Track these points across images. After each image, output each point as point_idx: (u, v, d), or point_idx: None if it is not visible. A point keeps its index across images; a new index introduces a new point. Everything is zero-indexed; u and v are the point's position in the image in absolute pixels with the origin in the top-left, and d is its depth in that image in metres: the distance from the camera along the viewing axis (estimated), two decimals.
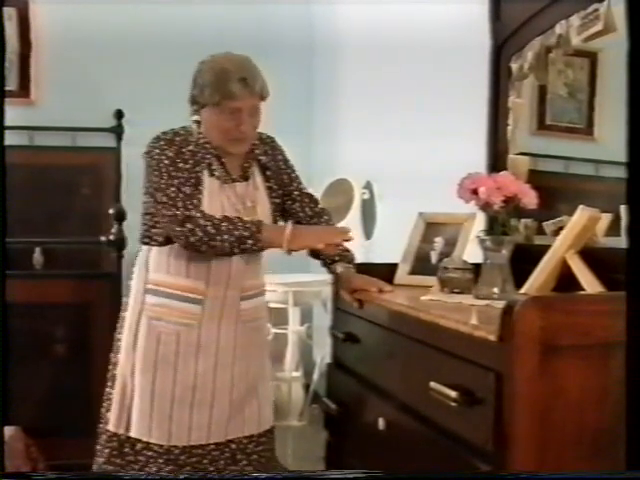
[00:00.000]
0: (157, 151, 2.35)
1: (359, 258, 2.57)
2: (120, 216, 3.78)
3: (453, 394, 1.67)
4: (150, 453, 2.41)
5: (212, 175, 2.39)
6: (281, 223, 2.54)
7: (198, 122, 2.41)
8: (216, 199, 2.37)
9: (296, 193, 2.58)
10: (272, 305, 3.46)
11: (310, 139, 4.72)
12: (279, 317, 4.13)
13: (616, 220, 2.10)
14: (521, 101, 2.63)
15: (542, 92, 2.58)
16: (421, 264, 2.52)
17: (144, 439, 2.41)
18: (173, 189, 2.30)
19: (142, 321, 2.42)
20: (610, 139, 2.25)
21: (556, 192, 2.49)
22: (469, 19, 2.95)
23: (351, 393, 2.41)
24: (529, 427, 1.54)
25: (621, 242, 1.90)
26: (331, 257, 2.48)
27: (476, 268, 2.17)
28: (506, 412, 1.55)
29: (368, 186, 4.06)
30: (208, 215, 2.28)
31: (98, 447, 2.50)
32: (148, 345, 2.41)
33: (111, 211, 3.84)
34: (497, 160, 2.69)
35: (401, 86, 3.74)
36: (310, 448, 3.48)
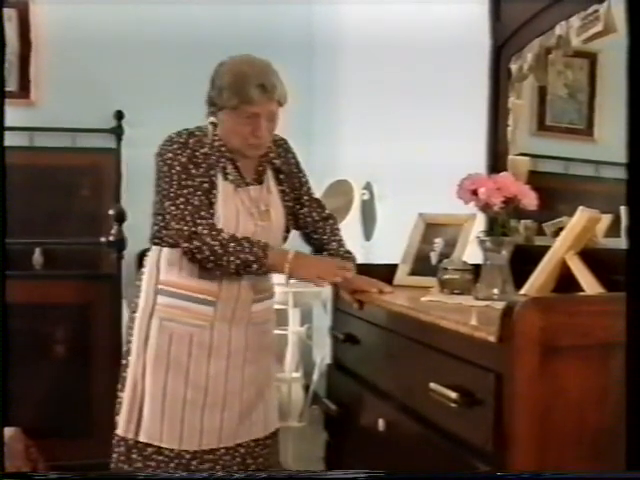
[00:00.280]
0: (170, 155, 2.33)
1: (359, 259, 2.57)
2: (120, 217, 3.79)
3: (453, 395, 1.67)
4: (160, 458, 2.37)
5: (226, 179, 2.37)
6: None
7: (214, 124, 2.40)
8: (230, 203, 2.36)
9: (306, 198, 2.57)
10: None
11: (310, 139, 4.71)
12: (279, 318, 4.10)
13: (616, 221, 2.10)
14: (521, 102, 2.63)
15: (542, 93, 2.58)
16: (421, 265, 2.52)
17: (155, 443, 2.37)
18: (182, 200, 2.28)
19: (153, 322, 2.39)
20: (610, 140, 2.25)
21: (556, 193, 2.49)
22: (469, 20, 2.95)
23: (351, 394, 2.41)
24: (529, 428, 1.54)
25: (621, 243, 1.90)
26: (333, 258, 2.48)
27: (476, 269, 2.18)
28: (506, 413, 1.55)
29: (368, 187, 4.06)
30: (216, 232, 2.27)
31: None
32: (160, 346, 2.38)
33: (111, 212, 3.84)
34: (497, 161, 2.69)
35: (401, 87, 3.74)
36: (310, 449, 3.48)
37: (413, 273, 2.53)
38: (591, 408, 1.58)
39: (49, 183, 4.51)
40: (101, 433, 3.27)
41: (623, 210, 1.95)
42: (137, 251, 4.40)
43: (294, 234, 2.57)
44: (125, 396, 2.40)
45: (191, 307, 2.38)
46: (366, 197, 4.07)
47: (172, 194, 2.30)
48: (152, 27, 4.55)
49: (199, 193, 2.30)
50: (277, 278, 2.57)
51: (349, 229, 3.50)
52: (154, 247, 2.44)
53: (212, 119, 2.40)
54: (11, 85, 4.51)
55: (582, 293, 1.98)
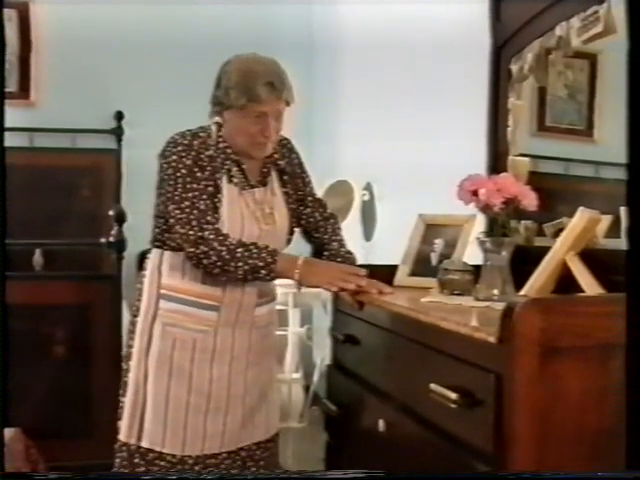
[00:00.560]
0: (174, 157, 2.28)
1: (359, 259, 2.57)
2: (120, 217, 3.79)
3: (453, 396, 1.67)
4: (163, 463, 2.35)
5: (230, 182, 2.34)
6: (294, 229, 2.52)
7: (218, 124, 2.36)
8: (235, 206, 2.32)
9: (309, 198, 2.55)
10: None
11: (310, 140, 4.71)
12: (279, 318, 4.12)
13: (616, 222, 2.10)
14: (521, 102, 2.63)
15: (542, 93, 2.58)
16: (421, 266, 2.52)
17: (157, 449, 2.34)
18: (187, 203, 2.24)
19: (156, 327, 2.36)
20: (610, 140, 2.25)
21: (556, 194, 2.49)
22: (469, 20, 2.95)
23: (351, 395, 2.41)
24: (529, 429, 1.54)
25: (621, 244, 1.89)
26: (334, 259, 2.48)
27: (476, 270, 2.17)
28: (506, 414, 1.55)
29: (368, 187, 4.06)
30: (222, 237, 2.23)
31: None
32: (162, 351, 2.34)
33: (111, 212, 3.84)
34: (497, 162, 2.69)
35: (401, 87, 3.74)
36: (310, 449, 3.48)
37: (413, 274, 2.53)
38: (591, 409, 1.58)
39: (49, 184, 4.52)
40: (101, 434, 3.28)
41: (623, 211, 1.95)
42: (137, 252, 4.41)
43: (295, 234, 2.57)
44: (127, 401, 2.37)
45: (194, 312, 2.35)
46: (366, 198, 4.07)
47: (177, 197, 2.26)
48: (152, 28, 4.55)
49: (204, 197, 2.26)
50: (277, 280, 2.55)
51: (349, 230, 3.50)
52: (155, 250, 2.41)
53: (217, 119, 2.36)
54: (11, 86, 4.52)
55: (582, 294, 1.98)
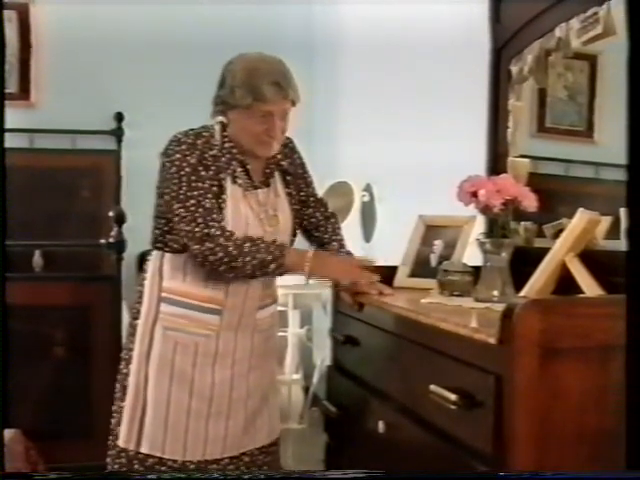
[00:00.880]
0: (178, 156, 2.24)
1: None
2: (120, 219, 3.78)
3: (453, 397, 1.67)
4: (163, 469, 2.31)
5: (234, 182, 2.31)
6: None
7: (222, 123, 2.33)
8: (239, 208, 2.30)
9: (311, 199, 2.54)
10: None
11: (310, 141, 4.71)
12: (279, 319, 4.12)
13: (616, 223, 2.10)
14: (521, 104, 2.63)
15: (542, 95, 2.58)
16: (421, 267, 2.52)
17: (157, 454, 2.31)
18: (193, 202, 2.21)
19: (157, 331, 2.33)
20: (610, 142, 2.25)
21: (556, 195, 2.49)
22: (469, 21, 2.95)
23: (351, 396, 2.41)
24: (529, 430, 1.54)
25: (621, 245, 1.90)
26: None
27: (476, 271, 2.17)
28: (506, 415, 1.55)
29: (368, 188, 4.06)
30: (229, 233, 2.21)
31: (109, 460, 2.40)
32: (163, 355, 2.32)
33: (111, 214, 3.84)
34: (497, 163, 2.69)
35: (401, 88, 3.74)
36: (310, 451, 3.48)
37: (413, 275, 2.53)
38: (591, 410, 1.58)
39: (49, 185, 4.52)
40: (101, 435, 3.26)
41: (623, 212, 1.95)
42: (137, 253, 4.41)
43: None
44: (126, 405, 2.34)
45: (196, 316, 2.33)
46: (366, 199, 4.07)
47: (182, 196, 2.22)
48: (152, 28, 4.55)
49: (209, 196, 2.23)
50: (277, 281, 2.55)
51: (349, 231, 3.49)
52: (156, 252, 2.38)
53: (221, 118, 2.33)
54: (11, 87, 4.52)
55: (582, 295, 1.99)
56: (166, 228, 2.33)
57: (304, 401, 4.27)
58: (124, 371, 2.37)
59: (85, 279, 3.86)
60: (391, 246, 2.77)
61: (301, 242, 2.59)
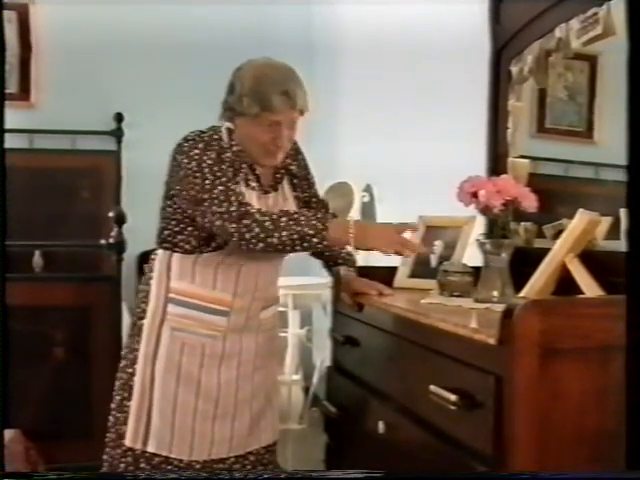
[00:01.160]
0: (196, 152, 2.21)
1: (359, 261, 2.58)
2: (120, 219, 3.78)
3: (453, 397, 1.67)
4: (169, 468, 2.31)
5: (247, 186, 2.29)
6: None
7: (229, 129, 2.30)
8: None
9: (314, 199, 2.52)
10: None
11: (309, 141, 4.71)
12: (279, 320, 4.12)
13: (616, 223, 2.10)
14: (521, 104, 2.63)
15: (542, 95, 2.58)
16: (421, 267, 2.51)
17: (163, 453, 2.31)
18: (221, 188, 2.15)
19: (164, 331, 2.32)
20: (610, 142, 2.25)
21: (556, 195, 2.49)
22: (469, 22, 2.95)
23: (351, 396, 2.41)
24: (529, 430, 1.54)
25: (621, 245, 1.90)
26: (334, 259, 2.48)
27: (476, 271, 2.17)
28: (506, 415, 1.55)
29: (368, 189, 4.06)
30: (265, 209, 2.18)
31: (107, 458, 2.39)
32: (170, 356, 2.31)
33: (111, 214, 3.84)
34: (497, 163, 2.70)
35: (401, 88, 3.74)
36: (310, 451, 3.48)
37: (413, 275, 2.53)
38: (591, 410, 1.58)
39: (49, 185, 4.52)
40: (101, 435, 3.26)
41: (623, 212, 1.95)
42: (137, 253, 4.41)
43: None
44: (132, 405, 2.32)
45: (204, 317, 2.32)
46: (366, 199, 4.07)
47: (208, 185, 2.17)
48: (152, 29, 4.55)
49: (233, 187, 2.18)
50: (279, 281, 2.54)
51: None
52: (163, 252, 2.35)
53: (228, 125, 2.31)
54: (11, 87, 4.52)
55: (582, 296, 1.99)
56: (177, 229, 2.31)
57: (304, 401, 4.27)
58: (129, 371, 2.35)
59: (85, 279, 3.85)
60: None
61: None
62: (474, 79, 2.85)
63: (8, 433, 3.06)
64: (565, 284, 2.07)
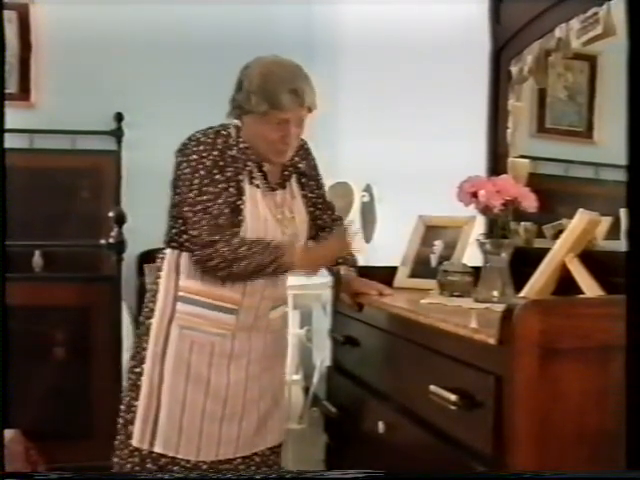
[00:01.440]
0: (194, 157, 2.23)
1: (359, 261, 2.57)
2: (120, 219, 3.78)
3: (453, 397, 1.67)
4: (176, 468, 2.30)
5: (252, 184, 2.29)
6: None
7: (237, 127, 2.31)
8: (259, 209, 2.28)
9: (321, 201, 2.52)
10: None
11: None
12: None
13: (616, 223, 2.10)
14: (521, 104, 2.63)
15: (542, 95, 2.58)
16: (421, 267, 2.52)
17: (170, 454, 2.30)
18: (200, 207, 2.20)
19: (172, 330, 2.31)
20: (610, 142, 2.25)
21: (556, 195, 2.49)
22: (469, 22, 2.96)
23: (351, 396, 2.41)
24: (529, 430, 1.54)
25: (621, 245, 1.90)
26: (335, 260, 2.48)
27: (476, 271, 2.18)
28: (506, 415, 1.55)
29: (368, 189, 4.06)
30: (228, 237, 2.20)
31: (116, 460, 2.38)
32: (179, 355, 2.30)
33: (111, 214, 3.84)
34: (497, 163, 2.70)
35: (401, 88, 3.74)
36: (310, 451, 3.48)
37: (413, 275, 2.53)
38: (591, 410, 1.58)
39: (49, 185, 4.52)
40: (101, 435, 3.26)
41: (623, 212, 1.95)
42: (137, 253, 4.41)
43: None
44: (140, 405, 2.31)
45: (213, 315, 2.31)
46: (366, 199, 4.07)
47: (190, 199, 2.22)
48: (152, 29, 4.55)
49: (219, 201, 2.22)
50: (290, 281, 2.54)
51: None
52: (171, 251, 2.35)
53: (236, 122, 2.31)
54: (11, 87, 4.52)
55: (582, 296, 1.99)
56: (183, 227, 2.31)
57: (304, 401, 4.27)
58: (137, 371, 2.35)
59: (85, 279, 3.85)
60: (391, 247, 2.77)
61: None
62: (474, 79, 2.85)
63: (8, 433, 3.06)
64: (565, 284, 2.07)
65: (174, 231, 2.34)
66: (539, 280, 2.13)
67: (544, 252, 2.16)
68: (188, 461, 2.32)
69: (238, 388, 2.36)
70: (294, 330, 4.22)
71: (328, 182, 4.14)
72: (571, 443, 1.57)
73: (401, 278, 2.54)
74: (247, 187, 2.28)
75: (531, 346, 1.52)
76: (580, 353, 1.57)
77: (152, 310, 2.35)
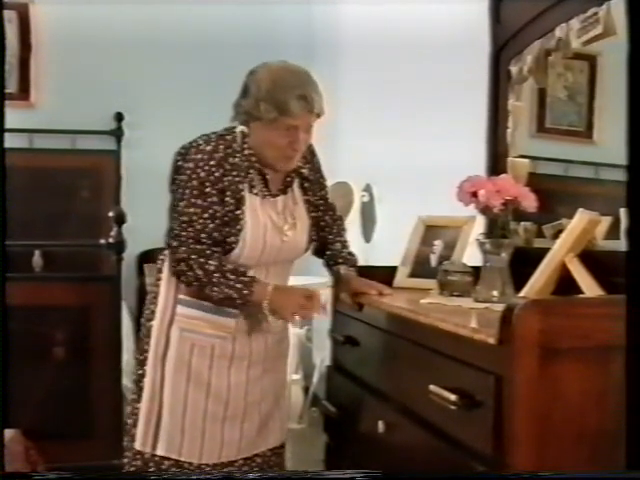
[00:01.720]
0: (191, 165, 2.22)
1: (358, 261, 2.57)
2: (120, 219, 3.78)
3: (453, 397, 1.67)
4: (179, 470, 2.30)
5: (251, 191, 2.27)
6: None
7: (243, 133, 2.28)
8: (258, 217, 2.27)
9: (323, 202, 2.50)
10: None
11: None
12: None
13: (615, 223, 2.10)
14: (521, 104, 2.63)
15: (542, 95, 2.58)
16: (421, 267, 2.52)
17: (173, 457, 2.30)
18: (185, 219, 2.21)
19: (173, 332, 2.31)
20: (610, 142, 2.25)
21: (556, 195, 2.49)
22: (469, 21, 2.96)
23: (351, 396, 2.41)
24: (529, 430, 1.54)
25: (620, 245, 1.90)
26: (335, 259, 2.48)
27: (476, 271, 2.17)
28: (506, 415, 1.55)
29: (368, 189, 4.07)
30: (204, 259, 2.19)
31: (125, 463, 2.39)
32: (180, 357, 2.30)
33: (111, 214, 3.83)
34: (497, 163, 2.70)
35: (401, 88, 3.74)
36: (310, 451, 3.48)
37: (413, 275, 2.53)
38: (591, 410, 1.58)
39: (49, 185, 4.53)
40: (101, 435, 3.27)
41: (623, 212, 1.95)
42: (137, 253, 4.42)
43: None
44: (142, 408, 2.32)
45: (213, 318, 2.31)
46: (366, 199, 4.07)
47: (179, 208, 2.23)
48: (152, 29, 4.56)
49: (205, 216, 2.21)
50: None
51: (349, 231, 3.50)
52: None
53: (242, 128, 2.28)
54: (11, 87, 4.52)
55: (582, 295, 1.99)
56: None
57: (304, 401, 4.27)
58: (139, 372, 2.36)
59: (85, 279, 3.85)
60: (391, 246, 2.77)
61: None
62: (474, 79, 2.85)
63: (8, 433, 3.06)
64: (565, 284, 2.07)
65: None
66: (539, 280, 2.13)
67: (544, 252, 2.16)
68: (191, 464, 2.32)
69: (239, 390, 2.36)
70: (294, 330, 4.23)
71: (328, 182, 4.17)
72: (571, 443, 1.57)
73: (401, 278, 2.54)
74: (247, 195, 2.26)
75: (531, 346, 1.52)
76: (580, 353, 1.57)
77: (153, 312, 2.36)
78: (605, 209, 2.15)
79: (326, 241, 2.51)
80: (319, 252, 2.52)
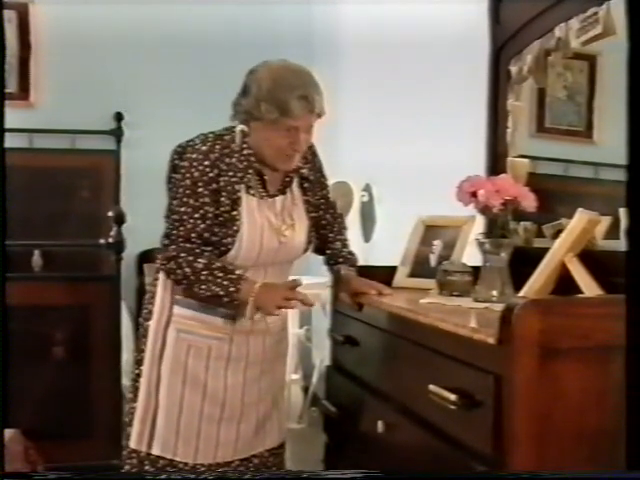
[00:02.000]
0: (186, 164, 2.22)
1: (358, 260, 2.57)
2: (119, 219, 3.78)
3: (452, 397, 1.67)
4: (174, 470, 2.30)
5: (248, 192, 2.26)
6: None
7: (243, 132, 2.26)
8: (255, 218, 2.26)
9: (324, 201, 2.49)
10: None
11: None
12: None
13: (615, 223, 2.10)
14: (520, 104, 2.63)
15: (541, 95, 2.58)
16: (420, 267, 2.52)
17: (168, 456, 2.30)
18: (176, 217, 2.21)
19: (169, 333, 2.31)
20: (609, 142, 2.25)
21: (555, 195, 2.49)
22: (469, 21, 2.96)
23: (350, 396, 2.41)
24: (529, 430, 1.54)
25: (620, 245, 1.90)
26: (335, 258, 2.47)
27: (475, 271, 2.17)
28: (505, 415, 1.55)
29: (367, 189, 4.06)
30: (193, 257, 2.19)
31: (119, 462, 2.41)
32: (176, 358, 2.30)
33: (110, 214, 3.83)
34: (496, 163, 2.70)
35: (401, 88, 3.74)
36: (309, 451, 3.47)
37: (412, 275, 2.53)
38: (590, 410, 1.58)
39: (48, 185, 4.52)
40: (100, 435, 3.27)
41: (622, 212, 1.95)
42: (136, 253, 4.41)
43: None
44: (138, 407, 2.32)
45: (210, 319, 2.31)
46: (365, 199, 4.07)
47: (172, 206, 2.24)
48: (152, 28, 4.55)
49: (196, 215, 2.21)
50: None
51: (348, 231, 3.50)
52: None
53: (242, 127, 2.27)
54: (11, 87, 4.52)
55: (581, 295, 1.99)
56: None
57: (303, 401, 4.27)
58: (136, 372, 2.36)
59: (84, 279, 3.85)
60: (390, 246, 2.77)
61: None
62: (474, 78, 2.85)
63: (8, 433, 3.05)
64: (564, 284, 2.07)
65: None
66: (538, 280, 2.13)
67: (543, 252, 2.16)
68: (186, 464, 2.32)
69: (236, 391, 2.36)
70: (293, 330, 4.23)
71: (328, 182, 4.16)
72: (571, 443, 1.57)
73: (400, 278, 2.54)
74: (244, 196, 2.25)
75: (531, 346, 1.52)
76: (580, 353, 1.57)
77: (150, 312, 2.36)
78: (605, 209, 2.15)
79: (327, 239, 2.50)
80: (320, 250, 2.51)
